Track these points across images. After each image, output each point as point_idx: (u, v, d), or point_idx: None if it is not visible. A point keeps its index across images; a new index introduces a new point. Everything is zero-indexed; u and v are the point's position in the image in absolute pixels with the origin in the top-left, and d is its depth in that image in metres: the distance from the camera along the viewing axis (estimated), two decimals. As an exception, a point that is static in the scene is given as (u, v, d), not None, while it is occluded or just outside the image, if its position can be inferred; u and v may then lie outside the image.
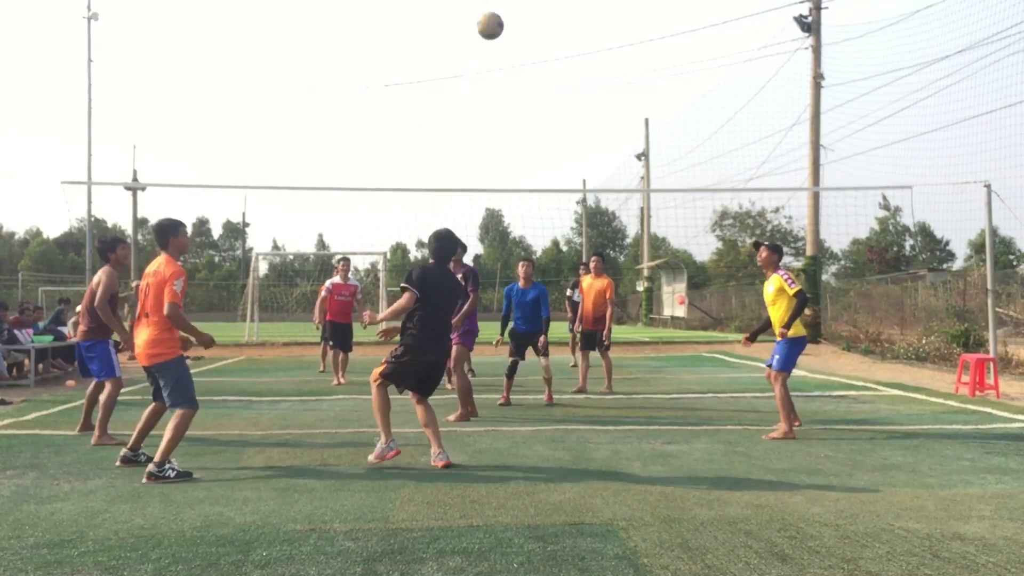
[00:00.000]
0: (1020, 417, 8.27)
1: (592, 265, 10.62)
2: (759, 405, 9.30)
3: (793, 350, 7.17)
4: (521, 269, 9.25)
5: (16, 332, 12.00)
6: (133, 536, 4.08)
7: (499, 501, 4.76)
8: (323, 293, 12.27)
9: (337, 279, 12.27)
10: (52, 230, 77.47)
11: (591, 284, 10.46)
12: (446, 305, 5.96)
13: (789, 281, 7.10)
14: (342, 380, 11.49)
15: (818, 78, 21.49)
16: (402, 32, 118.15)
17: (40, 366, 12.36)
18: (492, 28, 9.84)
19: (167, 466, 5.40)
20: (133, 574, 3.54)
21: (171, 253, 5.72)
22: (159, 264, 5.67)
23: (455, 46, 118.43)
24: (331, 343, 12.05)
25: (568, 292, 14.89)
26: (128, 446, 5.89)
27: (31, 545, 3.94)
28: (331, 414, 8.51)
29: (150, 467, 5.39)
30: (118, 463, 5.80)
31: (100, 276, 6.95)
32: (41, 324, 13.77)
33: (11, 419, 8.13)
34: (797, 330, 7.13)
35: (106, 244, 7.17)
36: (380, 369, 5.79)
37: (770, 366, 7.26)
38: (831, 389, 10.98)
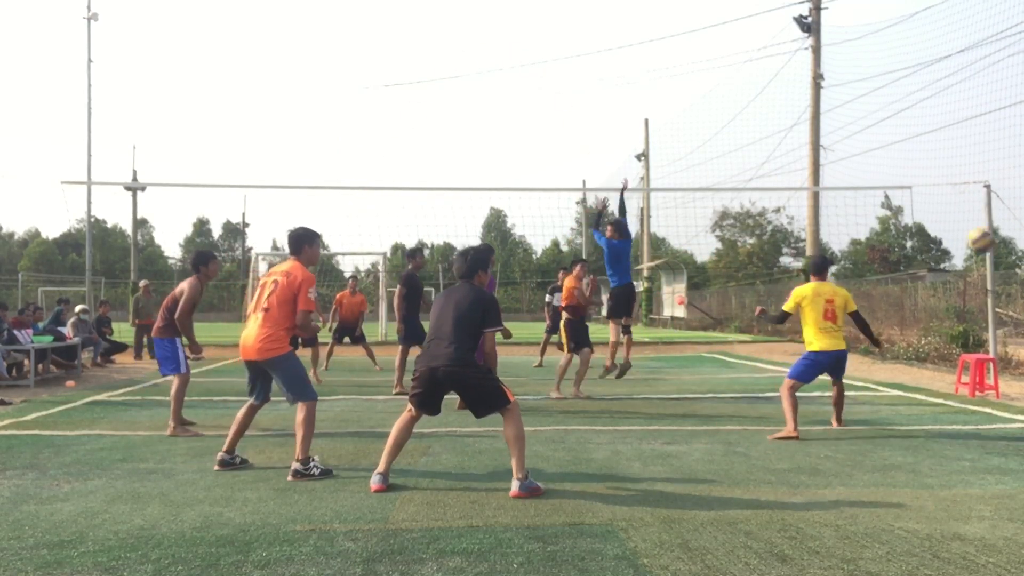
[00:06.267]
0: (1020, 417, 8.27)
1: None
2: (759, 405, 9.30)
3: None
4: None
5: (16, 332, 12.00)
6: (133, 536, 4.07)
7: (499, 501, 4.76)
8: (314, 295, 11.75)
9: None
10: (52, 230, 77.56)
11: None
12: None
13: None
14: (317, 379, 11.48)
15: (818, 78, 21.52)
16: (402, 32, 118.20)
17: (40, 366, 12.36)
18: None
19: (311, 463, 5.48)
20: (133, 574, 3.53)
21: (302, 260, 5.79)
22: (290, 266, 5.71)
23: (455, 46, 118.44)
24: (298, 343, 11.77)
25: (547, 297, 15.22)
26: (224, 448, 5.76)
27: (31, 545, 3.94)
28: (331, 414, 8.50)
29: (295, 465, 5.45)
30: (216, 467, 5.65)
31: (184, 286, 7.31)
32: (41, 324, 13.76)
33: (11, 419, 8.13)
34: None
35: (199, 257, 7.53)
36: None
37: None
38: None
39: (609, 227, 9.98)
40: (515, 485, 4.92)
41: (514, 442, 4.99)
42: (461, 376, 5.10)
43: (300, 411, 5.55)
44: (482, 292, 5.41)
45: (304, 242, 5.79)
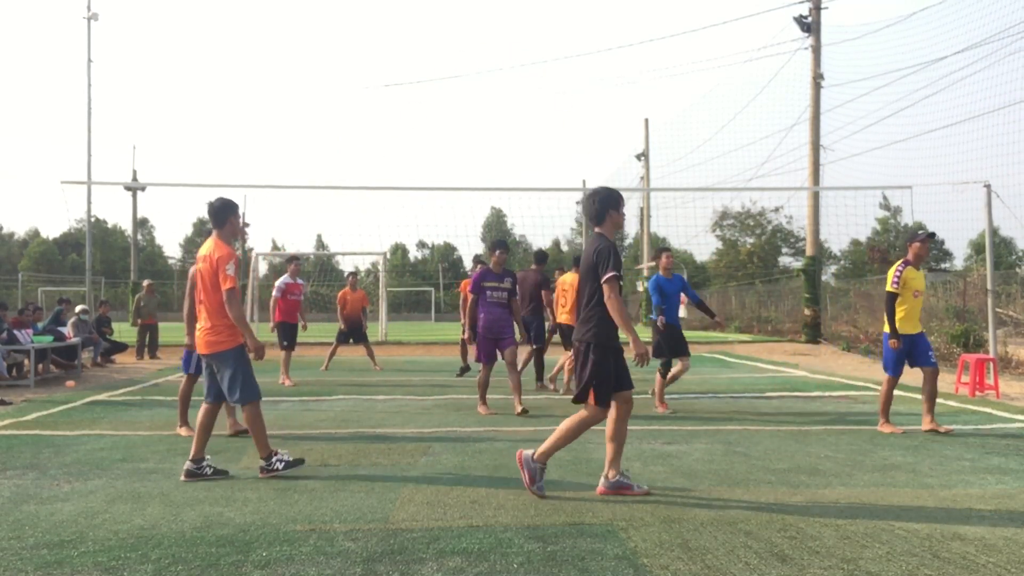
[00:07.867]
0: (1020, 417, 8.27)
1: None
2: (759, 405, 9.30)
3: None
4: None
5: (16, 332, 11.99)
6: (133, 536, 4.07)
7: (499, 501, 4.76)
8: (276, 294, 11.79)
9: (288, 278, 11.89)
10: (52, 230, 77.57)
11: None
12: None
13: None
14: (289, 381, 11.45)
15: (818, 78, 21.51)
16: (402, 32, 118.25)
17: (40, 366, 12.36)
18: None
19: (275, 458, 5.40)
20: (133, 574, 3.53)
21: (224, 235, 5.43)
22: (210, 247, 5.36)
23: (455, 46, 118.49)
24: (285, 344, 11.63)
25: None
26: (190, 457, 5.35)
27: (31, 545, 3.94)
28: (331, 414, 8.50)
29: (261, 463, 5.41)
30: (183, 478, 5.27)
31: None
32: (41, 324, 13.76)
33: (11, 419, 8.12)
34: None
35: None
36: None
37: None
38: (831, 389, 10.98)
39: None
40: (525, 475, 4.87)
41: (558, 435, 4.90)
42: (578, 350, 4.89)
43: (243, 412, 5.37)
44: (596, 241, 4.86)
45: (229, 212, 5.47)
